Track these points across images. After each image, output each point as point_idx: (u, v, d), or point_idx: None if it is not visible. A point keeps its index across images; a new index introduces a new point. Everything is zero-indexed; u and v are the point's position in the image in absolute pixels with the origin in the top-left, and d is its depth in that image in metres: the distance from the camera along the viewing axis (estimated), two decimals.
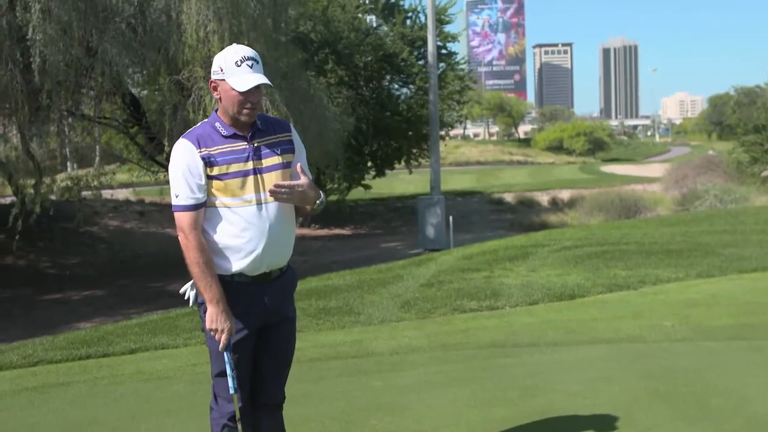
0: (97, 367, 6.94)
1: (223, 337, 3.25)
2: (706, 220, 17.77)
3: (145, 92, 18.91)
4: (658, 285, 9.69)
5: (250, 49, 3.33)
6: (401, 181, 39.99)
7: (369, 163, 30.48)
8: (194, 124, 12.14)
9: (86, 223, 23.10)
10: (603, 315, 8.07)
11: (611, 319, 7.78)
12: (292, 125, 3.54)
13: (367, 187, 30.72)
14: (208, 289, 3.22)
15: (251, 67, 3.22)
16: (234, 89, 3.20)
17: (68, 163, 25.33)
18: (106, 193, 23.21)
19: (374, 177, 31.49)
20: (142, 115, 17.24)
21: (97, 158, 22.72)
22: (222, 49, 3.41)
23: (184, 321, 8.75)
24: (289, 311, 3.51)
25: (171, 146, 15.16)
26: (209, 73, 13.14)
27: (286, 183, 3.24)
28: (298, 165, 3.30)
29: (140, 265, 21.27)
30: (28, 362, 7.21)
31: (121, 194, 28.84)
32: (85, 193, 18.70)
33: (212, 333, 3.26)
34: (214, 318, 3.23)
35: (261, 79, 3.20)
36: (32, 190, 16.68)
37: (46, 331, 11.98)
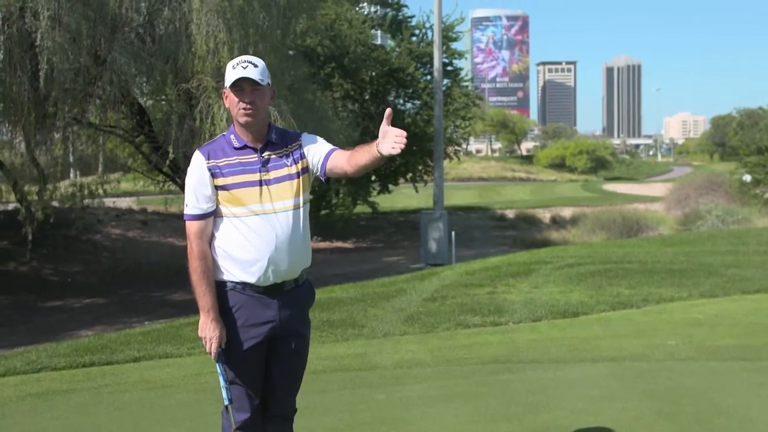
0: (101, 374, 6.95)
1: (213, 347, 3.29)
2: (708, 241, 17.77)
3: (151, 102, 18.97)
4: (661, 304, 9.69)
5: (254, 57, 3.40)
6: (403, 196, 40.01)
7: (373, 178, 30.52)
8: (201, 134, 12.19)
9: (89, 231, 23.13)
10: (606, 333, 8.07)
11: (615, 337, 7.77)
12: (303, 133, 3.58)
13: (374, 204, 30.74)
14: (202, 297, 3.29)
15: (245, 68, 3.29)
16: (229, 89, 3.31)
17: (71, 171, 25.36)
18: (109, 201, 23.23)
19: (379, 193, 31.51)
20: (148, 124, 17.29)
21: (101, 166, 22.75)
22: (232, 59, 3.50)
23: (187, 330, 8.75)
24: (302, 326, 3.51)
25: (177, 156, 15.15)
26: (219, 83, 13.20)
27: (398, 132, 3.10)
28: (388, 110, 3.17)
29: (142, 274, 21.26)
30: (31, 368, 7.21)
31: (124, 203, 28.87)
32: (88, 201, 18.74)
33: (201, 342, 3.31)
34: (204, 326, 3.30)
35: (246, 73, 3.26)
36: (36, 197, 16.72)
37: (48, 337, 11.98)
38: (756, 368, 6.33)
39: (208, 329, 3.29)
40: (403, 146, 3.07)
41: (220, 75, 12.97)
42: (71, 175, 23.84)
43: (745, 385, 5.81)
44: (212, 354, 3.31)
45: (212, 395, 6.00)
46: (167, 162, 16.46)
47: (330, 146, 3.48)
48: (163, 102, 17.79)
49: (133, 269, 21.86)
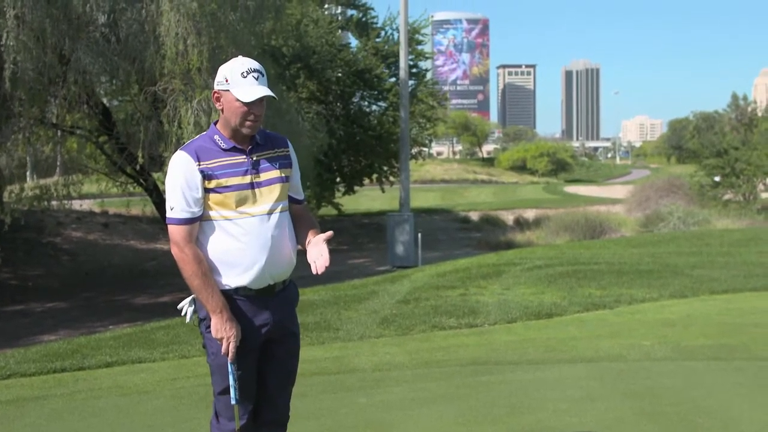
0: (73, 380, 6.79)
1: (231, 346, 3.20)
2: (672, 242, 18.01)
3: (115, 102, 18.67)
4: (633, 305, 9.77)
5: (257, 62, 3.32)
6: (366, 198, 40.00)
7: (338, 179, 30.49)
8: (168, 136, 11.98)
9: (49, 233, 22.71)
10: (582, 334, 8.12)
11: (590, 338, 7.82)
12: (289, 141, 3.52)
13: (338, 206, 30.73)
14: (210, 299, 3.19)
15: (257, 79, 3.21)
16: (238, 100, 3.18)
17: (28, 173, 24.86)
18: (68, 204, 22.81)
19: (344, 194, 31.47)
20: (113, 125, 17.02)
21: (58, 167, 22.34)
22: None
23: (160, 334, 8.61)
24: (294, 326, 3.50)
25: (143, 157, 14.86)
26: (187, 85, 12.95)
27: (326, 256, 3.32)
28: (329, 232, 3.42)
29: (104, 278, 20.95)
30: (0, 375, 7.02)
31: (85, 205, 28.39)
32: (55, 203, 18.39)
33: (219, 342, 3.20)
34: (219, 327, 3.19)
35: (266, 91, 3.20)
36: None
37: (11, 343, 11.71)
38: (732, 368, 6.39)
39: (224, 329, 3.19)
40: (322, 270, 3.28)
41: (188, 77, 12.75)
42: (28, 177, 23.39)
43: (724, 384, 5.87)
44: (230, 354, 3.21)
45: (189, 401, 5.90)
46: (133, 163, 16.20)
47: (300, 194, 3.54)
48: (128, 102, 17.53)
49: (95, 272, 21.52)
